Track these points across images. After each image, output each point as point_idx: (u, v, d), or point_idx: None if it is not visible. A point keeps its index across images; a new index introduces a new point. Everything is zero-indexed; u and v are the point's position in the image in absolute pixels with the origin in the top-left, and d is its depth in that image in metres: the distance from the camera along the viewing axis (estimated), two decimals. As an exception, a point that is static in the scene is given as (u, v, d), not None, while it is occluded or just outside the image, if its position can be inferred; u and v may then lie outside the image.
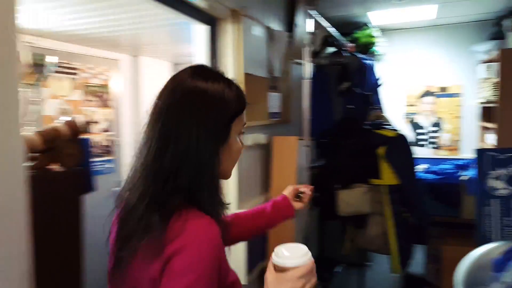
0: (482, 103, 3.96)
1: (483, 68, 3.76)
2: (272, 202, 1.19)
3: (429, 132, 4.70)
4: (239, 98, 0.85)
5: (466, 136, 4.44)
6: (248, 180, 2.53)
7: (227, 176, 0.89)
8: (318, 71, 3.40)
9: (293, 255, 0.74)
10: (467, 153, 4.39)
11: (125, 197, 0.82)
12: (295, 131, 3.11)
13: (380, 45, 4.20)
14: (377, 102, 3.63)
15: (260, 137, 2.65)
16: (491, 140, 3.80)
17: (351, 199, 2.83)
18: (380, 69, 4.01)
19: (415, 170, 3.00)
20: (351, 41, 3.89)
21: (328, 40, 3.47)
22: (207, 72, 0.85)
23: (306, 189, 1.23)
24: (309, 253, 0.75)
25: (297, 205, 1.21)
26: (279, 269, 0.73)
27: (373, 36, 4.09)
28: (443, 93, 4.61)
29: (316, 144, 3.31)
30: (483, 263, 1.23)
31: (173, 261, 0.71)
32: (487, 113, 4.14)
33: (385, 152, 2.90)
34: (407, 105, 4.77)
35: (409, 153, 2.94)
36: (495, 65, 3.59)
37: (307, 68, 2.94)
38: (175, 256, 0.71)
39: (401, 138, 2.97)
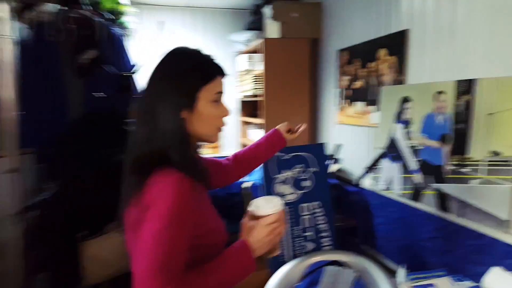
0: (244, 96, 3.77)
1: (243, 59, 3.51)
2: (266, 137, 1.38)
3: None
4: (204, 69, 0.95)
5: (227, 133, 4.21)
6: None
7: (210, 139, 0.99)
8: (36, 36, 2.03)
9: (265, 205, 0.91)
10: (230, 150, 4.18)
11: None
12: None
13: (131, 19, 3.19)
14: (135, 90, 2.64)
15: None
16: (254, 135, 3.65)
17: (107, 253, 1.73)
18: (132, 49, 3.03)
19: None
20: (92, 4, 2.67)
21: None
22: (175, 51, 0.97)
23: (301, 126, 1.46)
24: (279, 204, 0.93)
25: (289, 136, 1.42)
26: (253, 217, 0.92)
27: (120, 4, 3.02)
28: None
29: (39, 160, 1.96)
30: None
31: (146, 213, 0.84)
32: (249, 107, 4.07)
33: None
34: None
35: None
36: (256, 56, 3.46)
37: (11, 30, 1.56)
38: (148, 208, 0.84)
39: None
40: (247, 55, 3.42)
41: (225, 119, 1.01)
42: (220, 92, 0.99)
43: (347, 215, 2.47)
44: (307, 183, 2.33)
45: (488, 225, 1.50)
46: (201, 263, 0.86)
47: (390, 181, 2.18)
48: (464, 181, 1.64)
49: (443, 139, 1.78)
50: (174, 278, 0.79)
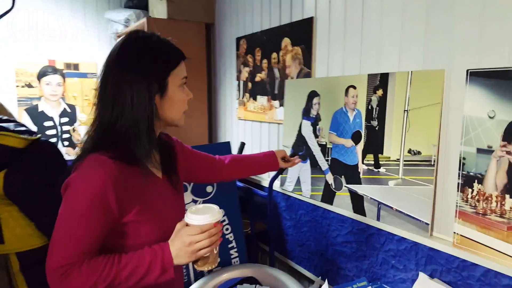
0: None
1: None
2: (264, 155, 1.47)
3: (59, 124, 3.39)
4: (170, 54, 0.97)
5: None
6: None
7: (178, 122, 1.01)
8: None
9: (197, 213, 0.88)
10: None
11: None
12: None
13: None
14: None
15: None
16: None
17: None
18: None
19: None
20: None
21: None
22: (136, 37, 0.95)
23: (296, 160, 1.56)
24: (210, 217, 0.88)
25: (283, 164, 1.50)
26: (185, 223, 0.89)
27: None
28: (73, 71, 3.42)
29: None
30: None
31: (65, 192, 0.87)
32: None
33: (5, 181, 1.43)
34: (21, 86, 3.17)
35: (58, 173, 1.59)
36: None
37: None
38: (67, 188, 0.87)
39: (43, 148, 1.56)
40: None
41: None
42: (186, 77, 1.01)
43: (256, 219, 2.25)
44: (210, 189, 2.01)
45: (409, 229, 1.43)
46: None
47: (300, 182, 2.02)
48: (380, 181, 1.55)
49: (355, 137, 1.67)
50: (73, 257, 0.83)
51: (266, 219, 2.14)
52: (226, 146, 2.05)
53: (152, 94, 0.90)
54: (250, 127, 2.54)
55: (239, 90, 2.65)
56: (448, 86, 1.29)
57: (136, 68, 0.90)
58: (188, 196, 1.94)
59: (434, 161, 1.34)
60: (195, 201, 1.96)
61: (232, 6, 2.64)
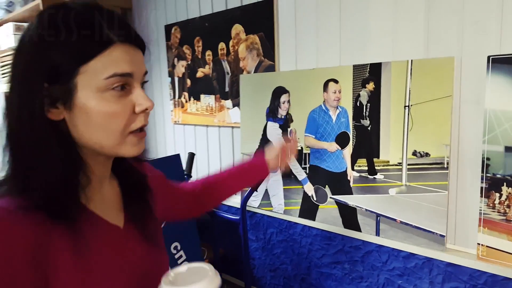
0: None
1: (6, 32, 2.28)
2: (240, 166, 1.05)
3: None
4: (84, 35, 0.53)
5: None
6: None
7: (116, 151, 0.59)
8: None
9: (186, 281, 0.55)
10: None
11: None
12: None
13: None
14: None
15: None
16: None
17: None
18: None
19: None
20: None
21: None
22: (41, 13, 0.57)
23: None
24: (210, 280, 0.55)
25: (274, 163, 1.03)
26: None
27: None
28: None
29: None
30: None
31: None
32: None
33: None
34: None
35: None
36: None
37: None
38: None
39: None
40: (11, 25, 2.18)
41: (141, 116, 0.58)
42: (125, 74, 0.55)
43: (218, 244, 1.87)
44: (158, 219, 1.56)
45: (419, 243, 1.24)
46: None
47: (270, 196, 1.71)
48: (378, 190, 1.33)
49: (341, 139, 1.42)
50: None
51: (228, 243, 1.78)
52: (176, 160, 1.62)
53: (45, 103, 0.54)
54: (193, 132, 2.12)
55: (173, 88, 2.21)
56: (459, 75, 1.12)
57: (23, 64, 0.55)
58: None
59: (447, 163, 1.16)
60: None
61: (158, -14, 2.17)
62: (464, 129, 1.13)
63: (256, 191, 1.51)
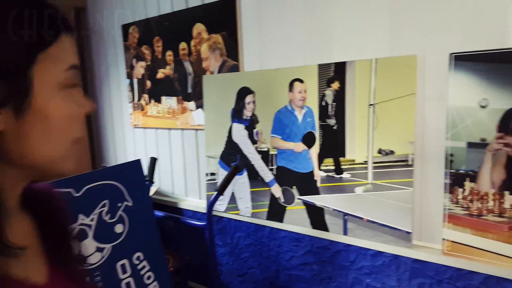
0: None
1: None
2: None
3: None
4: (39, 23, 0.43)
5: None
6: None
7: (62, 166, 0.47)
8: None
9: None
10: None
11: None
12: None
13: None
14: None
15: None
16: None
17: None
18: None
19: None
20: None
21: None
22: None
23: None
24: None
25: None
26: None
27: None
28: None
29: None
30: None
31: None
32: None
33: None
34: None
35: None
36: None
37: None
38: None
39: None
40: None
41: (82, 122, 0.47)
42: (75, 66, 0.45)
43: (184, 252, 1.78)
44: (120, 228, 1.46)
45: (386, 241, 1.24)
46: None
47: (236, 199, 1.65)
48: (344, 189, 1.33)
49: (307, 139, 1.41)
50: None
51: (195, 250, 1.70)
52: (136, 166, 1.52)
53: None
54: (154, 136, 2.02)
55: (132, 90, 2.10)
56: (422, 73, 1.14)
57: None
58: (90, 245, 1.34)
59: (412, 160, 1.18)
60: (100, 249, 1.38)
61: (113, -17, 2.06)
62: (427, 126, 1.15)
63: (222, 194, 1.45)
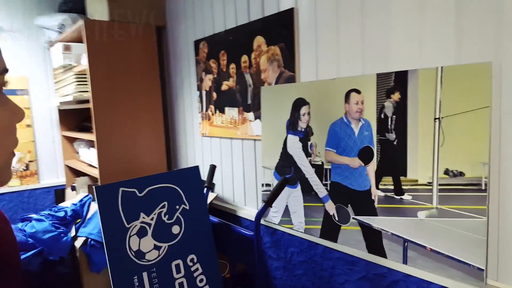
0: (62, 103, 2.63)
1: (57, 52, 2.43)
2: None
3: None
4: None
5: (44, 154, 2.95)
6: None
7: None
8: None
9: None
10: (55, 178, 2.99)
11: None
12: None
13: None
14: None
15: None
16: (86, 156, 2.59)
17: None
18: None
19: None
20: None
21: None
22: None
23: None
24: None
25: None
26: None
27: None
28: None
29: None
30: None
31: None
32: (72, 118, 2.92)
33: None
34: None
35: None
36: (77, 47, 2.39)
37: None
38: None
39: None
40: (61, 45, 2.33)
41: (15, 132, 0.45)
42: (5, 71, 0.42)
43: (236, 259, 1.80)
44: (176, 229, 1.54)
45: (452, 276, 1.08)
46: None
47: (290, 212, 1.61)
48: (405, 212, 1.19)
49: (364, 154, 1.30)
50: None
51: (247, 258, 1.70)
52: (195, 172, 1.59)
53: None
54: (219, 145, 2.10)
55: (201, 101, 2.21)
56: (499, 83, 0.96)
57: None
58: (149, 242, 1.45)
59: (486, 184, 1.00)
60: (158, 248, 1.47)
61: (187, 4, 2.21)
62: (506, 145, 0.96)
63: (271, 207, 1.43)
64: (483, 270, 1.00)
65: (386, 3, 1.18)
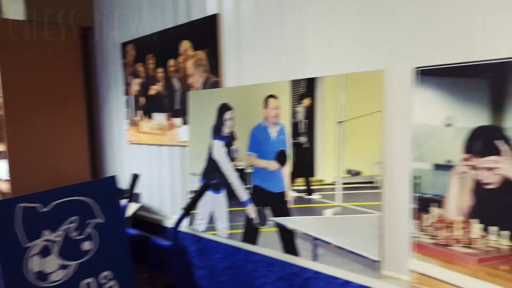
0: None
1: None
2: None
3: None
4: None
5: None
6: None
7: None
8: None
9: None
10: None
11: None
12: None
13: None
14: None
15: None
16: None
17: None
18: None
19: None
20: None
21: None
22: None
23: None
24: None
25: None
26: None
27: None
28: None
29: None
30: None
31: None
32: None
33: None
34: None
35: None
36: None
37: None
38: None
39: None
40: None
41: None
42: None
43: (158, 272, 1.75)
44: (88, 245, 1.45)
45: (354, 269, 1.15)
46: None
47: (213, 218, 1.61)
48: (314, 211, 1.26)
49: (280, 157, 1.36)
50: None
51: (171, 270, 1.66)
52: (111, 182, 1.52)
53: None
54: (147, 152, 2.04)
55: (128, 107, 2.15)
56: (390, 89, 1.07)
57: None
58: (54, 261, 1.34)
59: (379, 182, 1.10)
60: (64, 267, 1.37)
61: (115, 5, 2.15)
62: (393, 146, 1.07)
63: (187, 215, 1.41)
64: (378, 261, 1.09)
65: (300, 13, 1.26)
